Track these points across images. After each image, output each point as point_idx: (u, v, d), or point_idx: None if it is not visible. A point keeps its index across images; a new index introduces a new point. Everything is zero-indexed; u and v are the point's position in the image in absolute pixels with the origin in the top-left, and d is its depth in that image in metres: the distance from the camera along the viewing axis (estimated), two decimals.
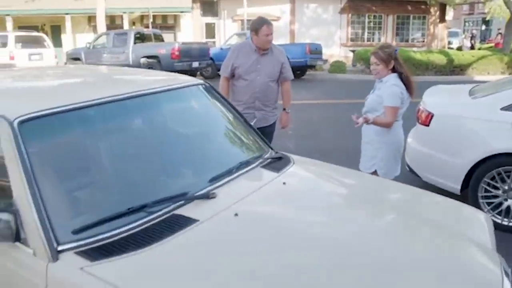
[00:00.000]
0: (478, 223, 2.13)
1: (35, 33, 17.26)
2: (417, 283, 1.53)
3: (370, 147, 3.50)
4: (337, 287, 1.48)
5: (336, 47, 22.19)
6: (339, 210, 2.10)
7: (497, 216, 3.77)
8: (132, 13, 21.31)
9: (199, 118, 2.60)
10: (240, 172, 2.17)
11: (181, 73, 3.13)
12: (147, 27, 19.16)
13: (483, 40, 32.65)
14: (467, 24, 41.10)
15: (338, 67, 16.81)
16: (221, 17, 21.87)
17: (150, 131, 2.28)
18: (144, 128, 2.27)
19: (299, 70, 15.59)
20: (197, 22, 22.13)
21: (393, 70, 3.40)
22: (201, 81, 2.67)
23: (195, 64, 14.35)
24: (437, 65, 15.38)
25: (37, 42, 16.44)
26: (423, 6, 22.25)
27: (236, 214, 1.79)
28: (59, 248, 1.55)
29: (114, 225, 1.66)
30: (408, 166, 4.31)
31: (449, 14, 26.08)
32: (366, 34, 22.74)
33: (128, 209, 1.72)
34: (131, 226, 1.67)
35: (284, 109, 4.16)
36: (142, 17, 22.09)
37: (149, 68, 13.27)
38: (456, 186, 3.85)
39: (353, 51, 18.94)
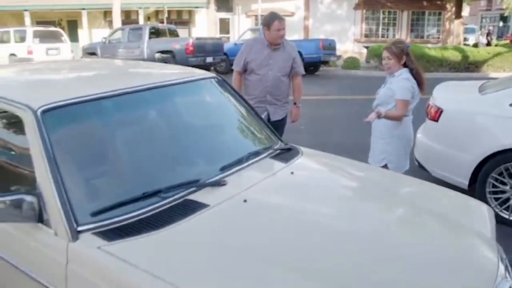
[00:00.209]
0: (480, 214, 2.20)
1: (52, 28, 17.59)
2: (419, 268, 1.60)
3: (380, 141, 3.56)
4: (343, 269, 1.55)
5: (350, 43, 22.10)
6: (344, 199, 2.18)
7: (504, 211, 3.81)
8: (147, 8, 21.48)
9: (212, 110, 2.70)
10: (250, 162, 2.26)
11: (195, 67, 3.23)
12: (162, 22, 19.33)
13: (500, 36, 32.16)
14: (484, 20, 40.50)
15: (351, 63, 16.77)
16: (236, 12, 21.93)
17: (164, 121, 2.40)
18: (159, 119, 2.39)
19: (313, 66, 15.61)
20: (211, 17, 22.21)
21: (405, 65, 3.47)
22: (214, 75, 2.77)
23: (209, 59, 14.47)
24: (452, 61, 15.25)
25: (54, 37, 16.75)
26: (438, 2, 22.01)
27: (245, 201, 1.89)
28: (79, 228, 1.66)
29: (130, 208, 1.77)
30: (417, 161, 4.36)
31: (466, 10, 25.72)
32: (380, 30, 22.59)
33: (143, 194, 1.83)
34: (145, 209, 1.78)
35: (295, 103, 4.24)
36: (157, 13, 22.25)
37: (163, 63, 13.42)
38: (464, 181, 3.89)
39: (367, 47, 18.86)
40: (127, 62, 4.05)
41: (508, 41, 23.31)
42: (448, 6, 22.25)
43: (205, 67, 13.42)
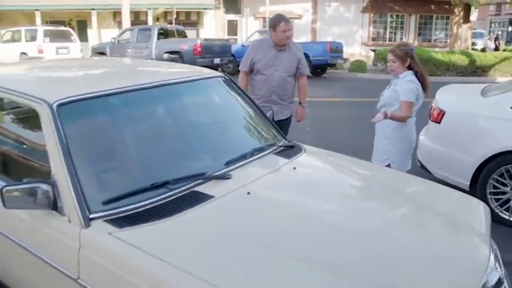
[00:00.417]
0: (477, 211, 2.27)
1: (62, 28, 17.80)
2: (418, 260, 1.67)
3: (384, 141, 3.63)
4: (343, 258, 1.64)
5: (357, 46, 22.16)
6: (345, 194, 2.26)
7: (505, 212, 3.86)
8: (156, 9, 21.66)
9: (218, 107, 2.81)
10: (254, 157, 2.35)
11: None
12: (171, 23, 19.46)
13: (508, 41, 32.07)
14: (493, 25, 40.37)
15: (358, 66, 16.82)
16: (244, 14, 22.08)
17: (173, 117, 2.50)
18: (168, 115, 2.49)
19: (320, 68, 15.70)
20: (219, 19, 22.37)
21: (409, 68, 3.54)
22: (221, 74, 2.87)
23: (217, 61, 14.58)
24: (459, 66, 15.25)
25: (64, 37, 16.97)
26: (446, 6, 21.99)
27: (248, 193, 1.98)
28: (91, 216, 1.76)
29: (139, 198, 1.86)
30: (420, 162, 4.43)
31: (474, 15, 25.67)
32: (387, 33, 22.62)
33: (152, 185, 1.92)
34: (154, 199, 1.87)
35: (300, 103, 4.32)
36: (166, 14, 22.42)
37: None
38: (465, 182, 3.95)
39: (374, 50, 18.90)
40: (137, 61, 4.16)
41: None
42: (456, 10, 22.23)
43: (213, 68, 13.44)
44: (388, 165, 3.59)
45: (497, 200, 3.89)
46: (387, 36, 22.56)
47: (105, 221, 1.75)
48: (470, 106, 4.16)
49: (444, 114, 4.11)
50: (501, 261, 1.90)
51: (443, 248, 1.81)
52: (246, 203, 1.94)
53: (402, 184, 2.50)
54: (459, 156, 4.01)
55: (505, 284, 1.74)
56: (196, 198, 1.91)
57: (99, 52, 16.64)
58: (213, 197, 1.92)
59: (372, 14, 22.32)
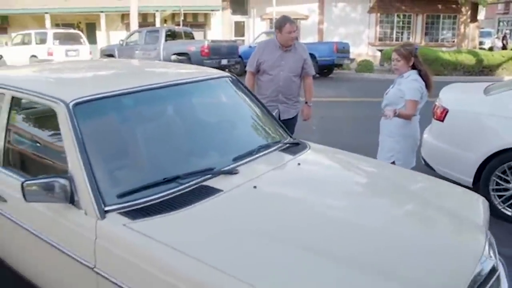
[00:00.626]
0: (476, 205, 2.34)
1: (71, 30, 18.04)
2: (418, 249, 1.76)
3: (389, 139, 3.71)
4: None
5: (364, 46, 22.19)
6: (347, 188, 2.35)
7: (508, 208, 3.92)
8: (164, 11, 21.83)
9: (226, 106, 2.92)
10: (260, 154, 2.46)
11: None
12: (178, 25, 19.66)
13: None
14: (501, 23, 40.09)
15: (365, 66, 16.86)
16: (251, 15, 22.19)
17: (183, 115, 2.62)
18: (178, 113, 2.61)
19: (327, 69, 15.77)
20: (227, 20, 22.50)
21: (413, 67, 3.62)
22: (228, 74, 2.98)
23: (224, 62, 14.69)
24: (466, 65, 15.24)
25: (73, 39, 17.19)
26: (454, 6, 21.94)
27: (254, 187, 2.08)
28: (106, 208, 1.87)
29: (151, 192, 1.97)
30: (424, 160, 4.50)
31: (481, 14, 25.57)
32: (394, 33, 22.61)
33: (163, 179, 2.03)
34: (165, 193, 1.98)
35: (306, 103, 4.41)
36: (173, 15, 22.60)
37: None
38: (468, 179, 4.01)
39: (380, 50, 18.92)
40: (147, 62, 4.28)
41: None
42: (463, 9, 22.19)
43: (220, 69, 13.49)
44: (393, 163, 3.67)
45: (500, 196, 3.95)
46: (394, 36, 22.55)
47: (120, 213, 1.85)
48: (473, 104, 4.22)
49: (447, 112, 4.18)
50: (496, 251, 1.98)
51: (442, 239, 1.90)
52: (253, 197, 2.04)
53: (404, 179, 2.58)
54: (462, 153, 4.07)
55: (499, 272, 1.82)
56: (205, 192, 2.01)
57: (108, 54, 16.82)
58: (222, 190, 2.02)
59: (379, 14, 22.33)
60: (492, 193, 3.95)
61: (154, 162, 2.23)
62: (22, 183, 1.88)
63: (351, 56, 16.89)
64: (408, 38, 22.44)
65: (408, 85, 3.54)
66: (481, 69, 15.21)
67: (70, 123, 2.01)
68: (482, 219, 2.18)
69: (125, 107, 2.35)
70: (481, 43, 25.40)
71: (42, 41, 16.55)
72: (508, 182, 3.90)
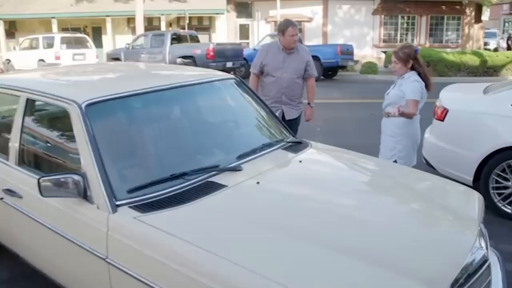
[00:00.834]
0: (471, 200, 2.43)
1: (78, 35, 18.23)
2: (415, 238, 1.87)
3: (391, 138, 3.80)
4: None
5: (368, 48, 22.24)
6: (346, 182, 2.46)
7: (508, 206, 4.00)
8: (169, 15, 22.00)
9: (230, 106, 3.04)
10: (263, 152, 2.57)
11: None
12: (183, 28, 19.78)
13: None
14: (506, 24, 39.98)
15: (369, 67, 16.95)
16: (255, 18, 22.30)
17: (189, 115, 2.75)
18: (185, 113, 2.74)
19: (331, 71, 15.87)
20: (231, 23, 22.64)
21: (413, 68, 3.72)
22: (233, 76, 3.09)
23: (229, 64, 14.81)
24: (470, 66, 15.29)
25: (80, 43, 17.39)
26: (458, 7, 21.94)
27: (257, 183, 2.19)
28: (117, 203, 1.98)
29: (160, 187, 2.08)
30: (425, 159, 4.58)
31: (485, 14, 25.54)
32: (399, 35, 22.63)
33: (171, 175, 2.14)
34: (173, 188, 2.09)
35: (309, 104, 4.52)
36: (178, 19, 22.75)
37: None
38: (468, 177, 4.08)
39: (384, 52, 19.00)
40: (154, 65, 4.41)
41: None
42: (467, 10, 22.19)
43: (225, 72, 13.68)
44: (395, 161, 3.77)
45: (499, 194, 4.03)
46: (398, 37, 22.56)
47: (130, 207, 1.97)
48: (472, 104, 4.31)
49: (447, 112, 4.27)
50: (488, 243, 2.07)
51: (437, 230, 2.02)
52: (256, 192, 2.15)
53: (402, 176, 2.68)
54: (462, 152, 4.15)
55: (489, 262, 1.92)
56: (210, 187, 2.12)
57: (114, 57, 16.96)
58: (226, 186, 2.13)
59: (383, 16, 22.36)
60: (492, 191, 4.03)
61: (162, 160, 2.35)
62: (38, 179, 2.00)
63: (356, 58, 16.98)
64: (413, 40, 22.45)
65: (409, 85, 3.64)
66: (486, 70, 15.26)
67: (82, 122, 2.13)
68: (477, 213, 2.27)
69: (134, 107, 2.47)
70: (486, 43, 25.37)
71: (50, 45, 16.75)
72: (507, 180, 3.97)
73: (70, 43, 16.97)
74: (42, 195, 2.02)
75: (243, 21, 23.11)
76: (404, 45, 3.93)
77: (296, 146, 2.76)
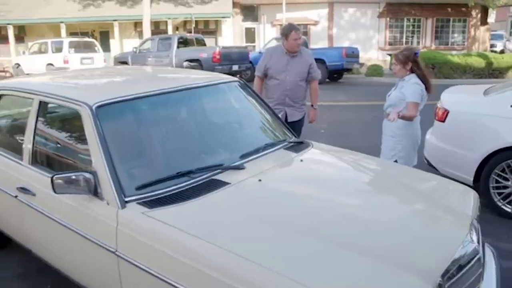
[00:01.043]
0: (466, 197, 2.51)
1: (86, 39, 18.44)
2: (412, 230, 1.97)
3: (391, 139, 3.90)
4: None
5: (374, 51, 22.29)
6: (345, 180, 2.56)
7: (507, 205, 4.07)
8: (175, 19, 22.17)
9: (234, 108, 3.15)
10: (266, 151, 2.68)
11: None
12: (190, 32, 19.95)
13: None
14: None
15: (375, 70, 17.01)
16: (261, 22, 22.42)
17: (195, 117, 2.87)
18: (190, 114, 2.86)
19: (336, 73, 15.96)
20: (237, 27, 22.78)
21: (413, 70, 3.82)
22: (237, 79, 3.21)
23: (235, 67, 14.93)
24: (475, 68, 15.31)
25: (88, 47, 17.60)
26: (463, 9, 21.94)
27: (259, 180, 2.30)
28: (126, 199, 2.09)
29: (166, 184, 2.19)
30: (427, 160, 4.66)
31: (492, 16, 25.48)
32: (404, 37, 22.65)
33: (177, 173, 2.25)
34: (179, 186, 2.20)
35: (312, 106, 4.62)
36: (185, 23, 22.93)
37: None
38: (469, 177, 4.16)
39: (390, 54, 19.04)
40: (161, 68, 4.53)
41: None
42: (473, 12, 22.18)
43: (231, 75, 13.78)
44: (396, 161, 3.85)
45: (499, 194, 4.10)
46: (404, 40, 22.59)
47: (138, 203, 2.08)
48: (472, 105, 4.38)
49: (448, 113, 4.35)
50: (480, 237, 2.16)
51: (433, 226, 2.12)
52: (257, 189, 2.25)
53: (401, 175, 2.76)
54: (462, 153, 4.23)
55: (480, 254, 2.00)
56: (214, 185, 2.23)
57: (121, 61, 17.13)
58: (229, 183, 2.24)
59: (388, 19, 22.41)
60: (492, 190, 4.10)
61: (169, 158, 2.47)
62: (52, 177, 2.12)
63: (361, 60, 17.06)
64: (418, 42, 22.48)
65: (409, 88, 3.73)
66: (491, 72, 15.27)
67: (93, 123, 2.25)
68: (471, 210, 2.35)
69: (142, 109, 2.58)
70: (492, 45, 25.31)
71: (58, 49, 16.98)
72: (507, 180, 4.04)
73: (78, 47, 17.19)
74: (55, 192, 2.13)
75: (249, 24, 23.25)
76: (405, 48, 4.04)
77: (298, 146, 2.86)
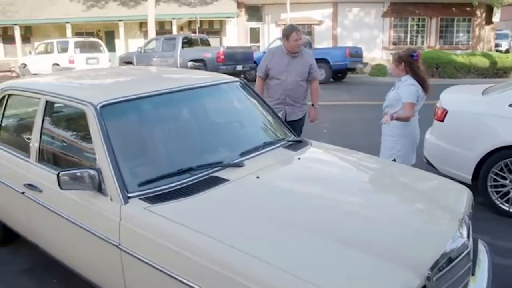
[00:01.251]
0: (459, 194, 2.57)
1: (92, 39, 18.58)
2: (405, 225, 2.04)
3: (390, 138, 3.96)
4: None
5: (378, 51, 22.29)
6: (342, 177, 2.63)
7: (505, 204, 4.12)
8: (180, 19, 22.29)
9: (235, 107, 3.23)
10: (265, 150, 2.75)
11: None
12: (194, 32, 20.05)
13: None
14: None
15: (379, 70, 17.05)
16: (265, 22, 22.49)
17: (196, 116, 2.95)
18: (192, 114, 2.94)
19: (340, 73, 16.01)
20: (242, 27, 22.86)
21: (412, 71, 3.88)
22: (238, 79, 3.29)
23: (239, 67, 15.00)
24: (480, 68, 15.32)
25: (93, 47, 17.74)
26: (468, 8, 21.90)
27: (257, 177, 2.37)
28: (129, 195, 2.18)
29: (168, 181, 2.27)
30: (426, 159, 4.71)
31: (497, 16, 25.39)
32: (408, 37, 22.63)
33: (178, 170, 2.33)
34: (179, 182, 2.28)
35: (313, 105, 4.69)
36: (189, 23, 23.03)
37: None
38: (467, 176, 4.21)
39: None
40: (164, 69, 4.62)
41: None
42: (478, 12, 22.13)
43: (235, 75, 13.85)
44: (394, 160, 3.92)
45: (497, 192, 4.15)
46: (408, 40, 22.58)
47: (141, 199, 2.16)
48: (471, 105, 4.44)
49: (447, 112, 4.40)
50: (471, 233, 2.23)
51: (426, 222, 2.20)
52: (255, 185, 2.33)
53: (398, 173, 2.83)
54: (461, 151, 4.28)
55: (469, 249, 2.07)
56: (214, 181, 2.31)
57: (126, 61, 17.23)
58: (228, 180, 2.32)
59: (392, 18, 22.41)
60: (490, 189, 4.16)
61: (170, 156, 2.55)
62: (58, 173, 2.20)
63: (365, 60, 17.09)
64: (423, 42, 22.47)
65: (404, 89, 3.81)
66: (495, 72, 15.26)
67: (98, 122, 2.34)
68: (464, 207, 2.42)
69: (145, 108, 2.67)
70: (497, 45, 25.23)
71: (64, 49, 17.12)
72: (504, 178, 4.09)
73: (84, 47, 17.34)
74: (61, 187, 2.22)
75: (254, 24, 23.31)
76: (406, 48, 4.11)
77: (297, 145, 2.94)
